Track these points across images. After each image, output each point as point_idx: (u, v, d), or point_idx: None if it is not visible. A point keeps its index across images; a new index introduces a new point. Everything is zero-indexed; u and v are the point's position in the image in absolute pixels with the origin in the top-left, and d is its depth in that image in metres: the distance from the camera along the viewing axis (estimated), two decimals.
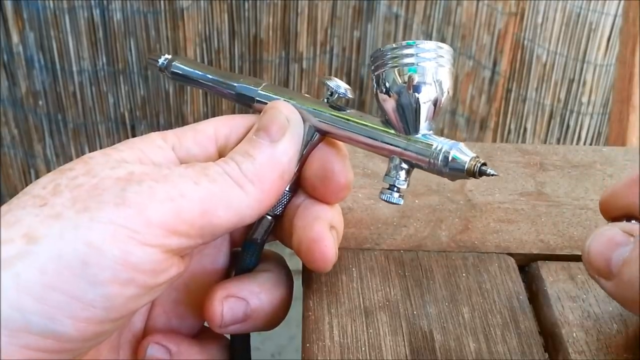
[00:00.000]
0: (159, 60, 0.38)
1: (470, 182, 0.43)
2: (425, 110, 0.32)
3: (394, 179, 0.33)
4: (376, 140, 0.33)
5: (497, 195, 0.42)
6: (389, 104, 0.32)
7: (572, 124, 1.16)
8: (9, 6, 1.10)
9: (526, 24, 1.12)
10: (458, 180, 0.33)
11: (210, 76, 0.37)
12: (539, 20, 1.10)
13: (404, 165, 0.33)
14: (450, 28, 1.18)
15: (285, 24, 1.19)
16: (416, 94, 0.32)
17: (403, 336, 0.33)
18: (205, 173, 0.30)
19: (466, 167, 0.31)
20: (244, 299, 0.33)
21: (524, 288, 0.36)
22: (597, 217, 0.40)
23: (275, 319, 0.35)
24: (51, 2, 1.11)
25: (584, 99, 1.13)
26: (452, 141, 0.32)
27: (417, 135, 0.33)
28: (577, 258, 0.38)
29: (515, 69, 1.16)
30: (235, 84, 0.36)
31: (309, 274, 0.36)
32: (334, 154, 0.34)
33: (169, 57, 0.38)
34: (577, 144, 1.17)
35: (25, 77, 1.17)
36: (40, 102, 1.20)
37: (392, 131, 0.33)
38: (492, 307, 0.35)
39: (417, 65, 0.32)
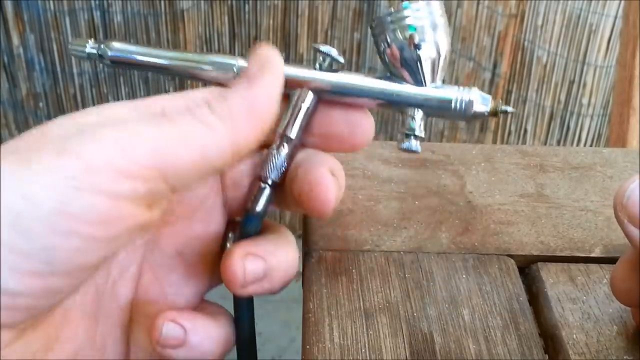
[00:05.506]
0: (86, 46, 0.34)
1: (470, 184, 0.43)
2: (442, 61, 0.33)
3: (412, 127, 0.34)
4: (393, 96, 0.34)
5: (497, 197, 0.42)
6: (402, 61, 0.33)
7: (572, 125, 1.16)
8: (9, 8, 1.10)
9: (526, 25, 1.12)
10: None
11: (169, 57, 0.34)
12: (539, 21, 1.10)
13: (420, 114, 0.34)
14: (451, 30, 1.18)
15: (285, 26, 1.19)
16: (435, 45, 0.33)
17: (403, 338, 0.33)
18: (163, 114, 0.29)
19: (489, 109, 0.33)
20: (262, 257, 0.32)
21: (524, 290, 0.36)
22: (597, 219, 0.40)
23: (287, 278, 0.34)
24: (52, 4, 1.11)
25: (584, 101, 1.13)
26: (465, 87, 0.33)
27: (433, 85, 0.33)
28: (577, 260, 0.38)
29: (515, 70, 1.16)
30: (207, 60, 0.34)
31: (309, 276, 0.36)
32: (355, 109, 0.34)
33: (93, 41, 0.34)
34: (577, 145, 1.17)
35: (26, 79, 1.17)
36: (40, 104, 1.20)
37: (409, 84, 0.34)
38: (492, 308, 0.35)
39: (433, 22, 0.33)
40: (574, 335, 0.33)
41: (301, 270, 0.36)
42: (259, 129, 0.30)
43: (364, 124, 0.34)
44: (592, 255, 0.38)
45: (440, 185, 0.43)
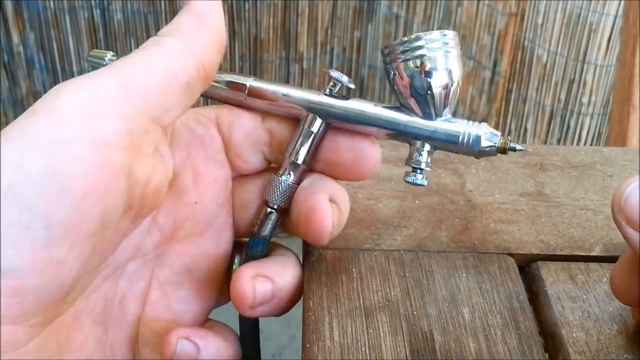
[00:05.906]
0: (104, 59, 0.35)
1: (470, 183, 0.43)
2: (452, 94, 0.33)
3: (418, 161, 0.34)
4: (401, 126, 0.34)
5: (497, 196, 0.42)
6: (412, 91, 0.33)
7: (572, 124, 1.16)
8: (9, 6, 1.10)
9: (526, 24, 1.12)
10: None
11: None
12: (539, 20, 1.10)
13: (427, 148, 0.34)
14: (451, 28, 1.17)
15: (285, 24, 1.19)
16: (446, 77, 0.33)
17: (403, 336, 0.33)
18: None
19: (498, 145, 0.33)
20: (270, 278, 0.33)
21: (524, 288, 0.36)
22: (597, 218, 0.40)
23: (294, 299, 0.34)
24: (52, 3, 1.11)
25: (585, 100, 1.13)
26: (474, 122, 0.33)
27: (442, 119, 0.34)
28: (577, 258, 0.38)
29: (515, 69, 1.16)
30: (221, 79, 0.35)
31: (309, 275, 0.36)
32: (362, 138, 0.34)
33: (111, 54, 0.35)
34: (577, 144, 1.17)
35: (26, 77, 1.17)
36: None
37: (417, 116, 0.34)
38: (492, 307, 0.35)
39: (446, 52, 0.33)
40: (574, 334, 0.33)
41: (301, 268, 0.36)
42: (213, 37, 0.31)
43: (369, 153, 0.34)
44: (592, 253, 0.38)
45: (440, 184, 0.43)
